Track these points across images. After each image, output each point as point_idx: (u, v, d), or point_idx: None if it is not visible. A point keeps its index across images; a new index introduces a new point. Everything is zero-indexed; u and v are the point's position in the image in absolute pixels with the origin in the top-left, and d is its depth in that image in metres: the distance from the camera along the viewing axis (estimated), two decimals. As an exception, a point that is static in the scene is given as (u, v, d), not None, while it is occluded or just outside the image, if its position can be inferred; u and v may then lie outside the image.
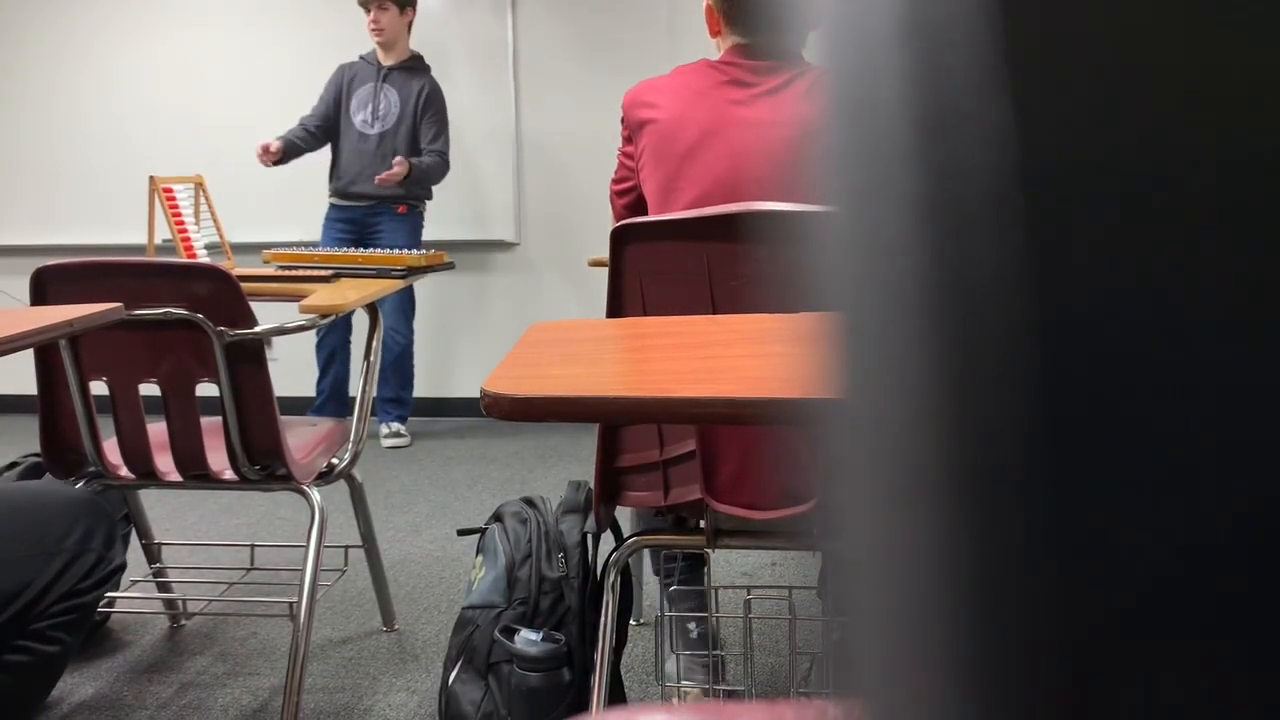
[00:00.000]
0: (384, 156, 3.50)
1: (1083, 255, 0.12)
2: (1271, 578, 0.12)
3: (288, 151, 3.53)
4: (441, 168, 3.57)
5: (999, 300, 0.12)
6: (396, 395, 3.82)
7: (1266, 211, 0.11)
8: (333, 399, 3.78)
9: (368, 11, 3.46)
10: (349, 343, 3.79)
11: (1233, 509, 0.12)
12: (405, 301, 3.74)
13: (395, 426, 3.81)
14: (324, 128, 3.61)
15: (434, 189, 3.72)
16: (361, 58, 3.62)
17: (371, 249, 2.22)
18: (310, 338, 3.79)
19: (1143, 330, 0.12)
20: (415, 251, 2.11)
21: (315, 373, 3.83)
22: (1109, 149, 0.12)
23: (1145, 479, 0.12)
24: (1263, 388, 0.11)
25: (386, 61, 3.55)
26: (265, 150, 3.43)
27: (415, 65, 3.56)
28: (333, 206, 3.64)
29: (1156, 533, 0.12)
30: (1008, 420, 0.12)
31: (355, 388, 3.87)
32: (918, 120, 0.13)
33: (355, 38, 3.96)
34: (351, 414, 1.96)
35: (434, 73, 3.99)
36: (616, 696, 1.47)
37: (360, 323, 3.90)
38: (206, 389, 1.64)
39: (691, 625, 1.74)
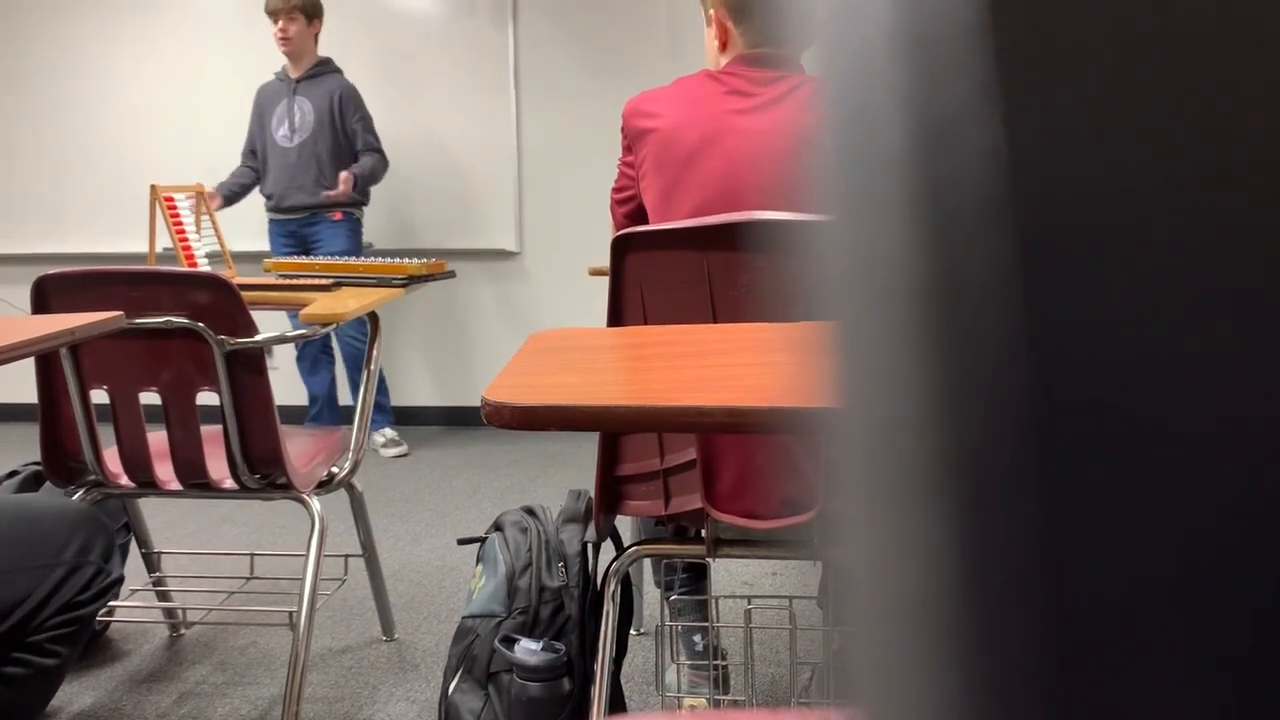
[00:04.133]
0: (306, 165, 3.56)
1: (1072, 265, 0.12)
2: (1266, 577, 0.12)
3: (236, 194, 3.63)
4: (383, 163, 3.62)
5: (991, 308, 0.12)
6: (375, 401, 3.84)
7: (1255, 222, 0.12)
8: (326, 407, 3.81)
9: (275, 21, 3.49)
10: (330, 350, 3.82)
11: (1225, 511, 0.12)
12: None
13: (388, 433, 3.82)
14: (259, 153, 3.69)
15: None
16: (275, 75, 3.66)
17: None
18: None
19: (1132, 337, 0.12)
20: (417, 261, 2.11)
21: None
22: (1099, 161, 0.12)
23: (1137, 483, 0.12)
24: (1254, 392, 0.12)
25: (295, 73, 3.59)
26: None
27: (322, 70, 3.59)
28: (272, 221, 3.69)
29: (1148, 535, 0.12)
30: (1000, 427, 0.12)
31: (343, 395, 3.90)
32: (911, 132, 0.13)
33: (353, 47, 3.98)
34: (344, 422, 1.96)
35: (434, 80, 4.01)
36: (617, 706, 1.47)
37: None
38: (207, 398, 1.64)
39: (696, 637, 1.73)
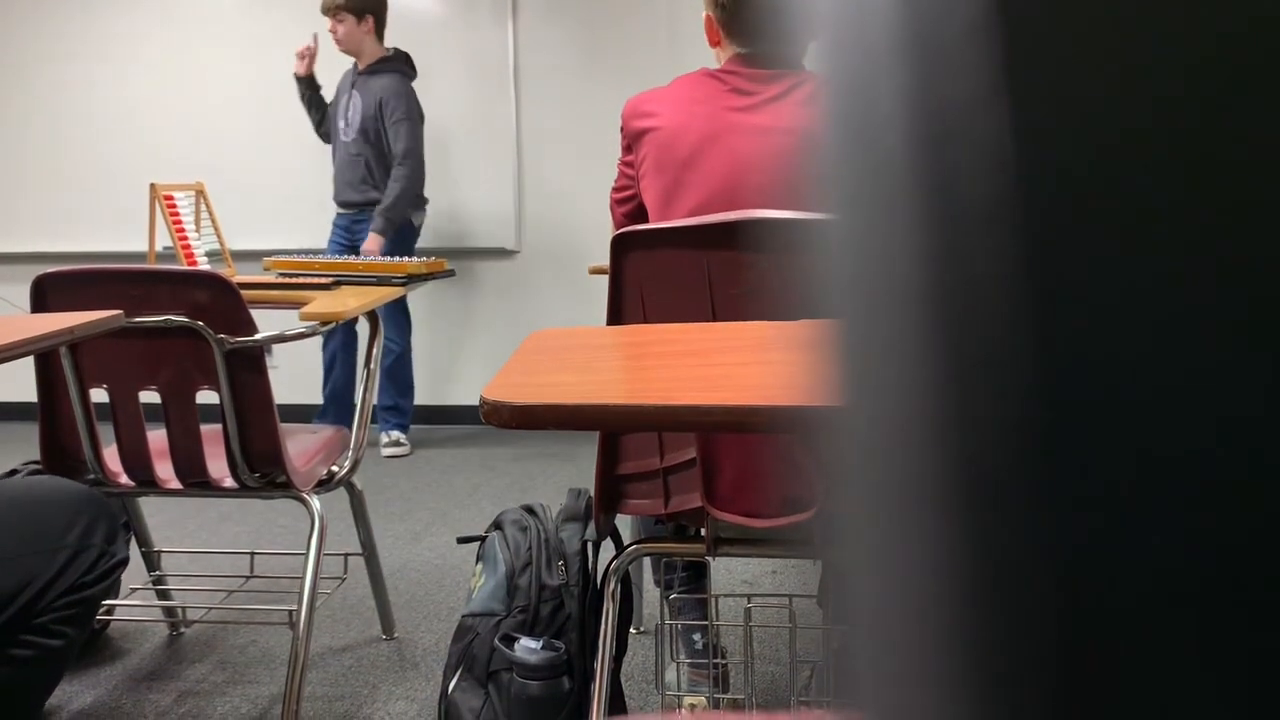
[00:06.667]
0: (355, 162, 3.55)
1: (1077, 264, 0.12)
2: (1274, 579, 0.12)
3: (320, 106, 3.66)
4: (410, 182, 3.52)
5: (996, 308, 0.12)
6: (394, 403, 3.82)
7: (1266, 220, 0.12)
8: (334, 405, 3.79)
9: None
10: (350, 348, 3.80)
11: (1233, 512, 0.12)
12: (398, 310, 3.75)
13: (395, 435, 3.81)
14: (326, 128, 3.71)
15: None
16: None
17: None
18: (312, 345, 3.80)
19: (1138, 337, 0.12)
20: (416, 259, 2.11)
21: (316, 380, 3.85)
22: (1104, 160, 0.12)
23: (1144, 484, 0.12)
24: (1261, 391, 0.12)
25: (360, 68, 3.58)
26: (303, 55, 3.55)
27: (380, 68, 3.55)
28: (336, 214, 3.68)
29: (1154, 537, 0.12)
30: (1005, 426, 0.12)
31: (357, 395, 3.89)
32: (915, 130, 0.13)
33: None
34: (353, 421, 1.96)
35: (433, 80, 4.00)
36: (616, 705, 1.47)
37: (364, 330, 3.91)
38: (207, 396, 1.64)
39: (696, 636, 1.73)
